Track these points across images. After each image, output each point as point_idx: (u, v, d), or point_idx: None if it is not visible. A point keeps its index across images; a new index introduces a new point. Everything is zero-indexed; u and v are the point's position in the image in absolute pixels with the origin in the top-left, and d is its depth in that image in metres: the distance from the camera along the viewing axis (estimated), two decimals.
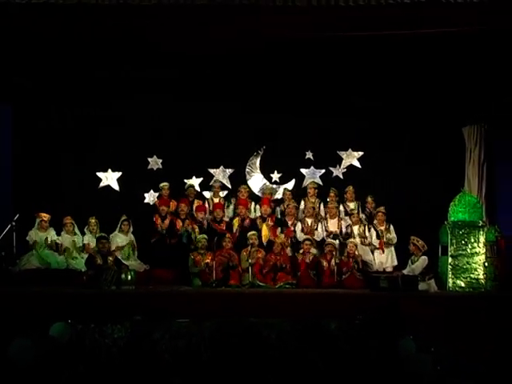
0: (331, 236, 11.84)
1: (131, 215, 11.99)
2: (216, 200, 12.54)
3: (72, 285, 10.43)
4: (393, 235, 11.88)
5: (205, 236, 11.48)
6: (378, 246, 11.80)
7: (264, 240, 11.65)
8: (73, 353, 8.07)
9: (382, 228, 11.89)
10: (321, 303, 9.58)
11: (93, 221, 11.73)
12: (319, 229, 11.97)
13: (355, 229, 11.92)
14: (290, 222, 12.04)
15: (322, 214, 12.30)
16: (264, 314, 8.83)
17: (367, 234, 11.88)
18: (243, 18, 9.35)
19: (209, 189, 13.05)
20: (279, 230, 11.92)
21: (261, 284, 10.85)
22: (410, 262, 10.96)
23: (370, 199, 12.34)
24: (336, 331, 8.29)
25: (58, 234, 11.67)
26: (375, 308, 9.30)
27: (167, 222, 11.88)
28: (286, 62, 11.26)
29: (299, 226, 12.00)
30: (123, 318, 8.54)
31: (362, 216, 12.18)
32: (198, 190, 12.99)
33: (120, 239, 11.68)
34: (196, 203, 12.44)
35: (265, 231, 11.75)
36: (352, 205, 12.37)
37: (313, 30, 9.56)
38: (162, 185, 12.48)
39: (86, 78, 12.03)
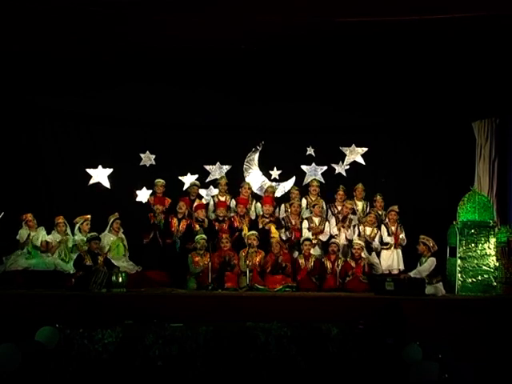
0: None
1: (122, 214, 11.95)
2: (222, 198, 12.51)
3: (60, 287, 10.42)
4: (403, 236, 11.83)
5: (203, 236, 11.45)
6: (392, 242, 11.73)
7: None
8: (60, 359, 8.02)
9: (393, 228, 11.84)
10: (322, 307, 9.63)
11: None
12: (326, 229, 11.97)
13: (368, 230, 11.90)
14: (293, 222, 12.02)
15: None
16: (262, 318, 8.82)
17: (377, 236, 11.85)
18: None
19: (205, 186, 13.12)
20: (283, 230, 11.96)
21: (259, 287, 10.85)
22: (419, 264, 10.91)
23: (379, 197, 12.28)
24: (337, 336, 8.30)
25: (49, 234, 11.62)
26: (380, 312, 9.38)
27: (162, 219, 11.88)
28: (286, 51, 11.19)
29: (305, 224, 11.97)
30: (114, 323, 8.54)
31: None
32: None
33: (111, 239, 11.63)
34: (197, 202, 12.44)
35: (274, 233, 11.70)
36: (360, 204, 12.43)
37: (314, 14, 9.49)
38: (156, 181, 12.45)
39: (70, 68, 11.92)
